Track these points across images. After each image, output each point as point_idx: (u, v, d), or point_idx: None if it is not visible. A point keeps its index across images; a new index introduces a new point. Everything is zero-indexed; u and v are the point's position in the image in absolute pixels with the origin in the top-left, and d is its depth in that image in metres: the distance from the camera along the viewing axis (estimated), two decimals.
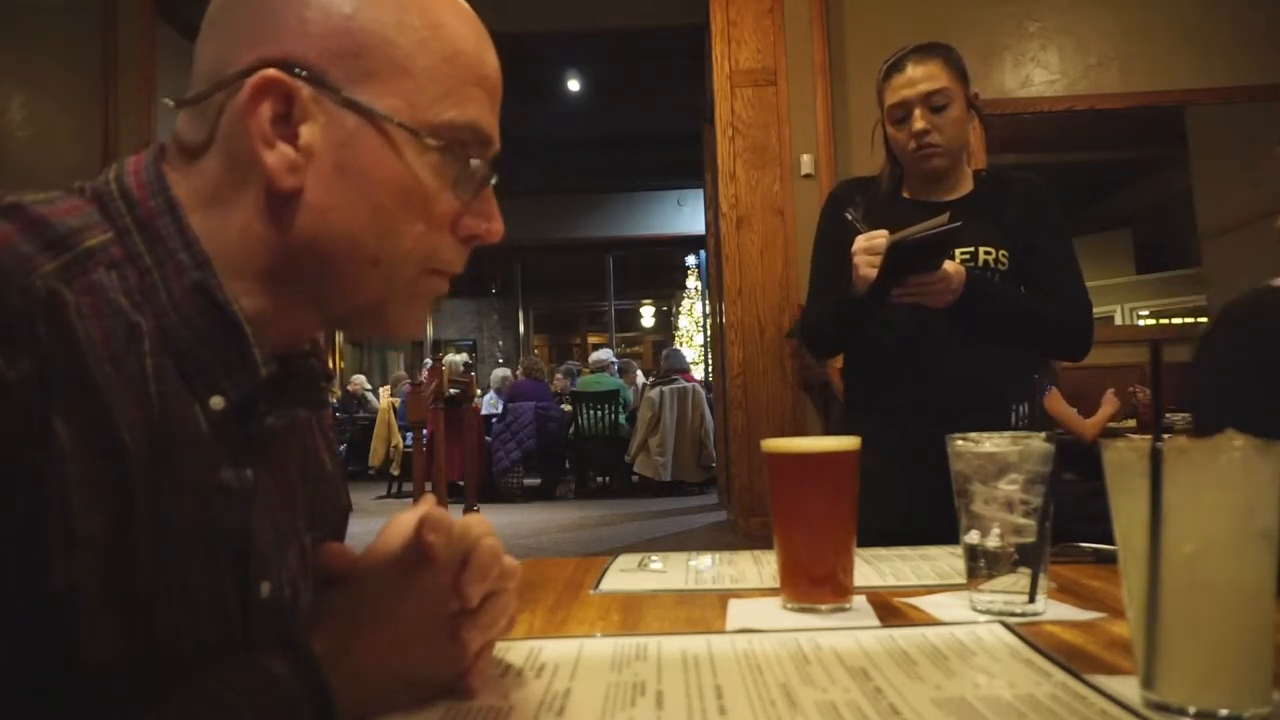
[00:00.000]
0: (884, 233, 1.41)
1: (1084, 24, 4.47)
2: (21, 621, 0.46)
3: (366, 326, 0.62)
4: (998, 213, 1.60)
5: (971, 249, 1.56)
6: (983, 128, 1.72)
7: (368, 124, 0.56)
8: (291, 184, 0.55)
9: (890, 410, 1.59)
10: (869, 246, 1.41)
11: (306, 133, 0.55)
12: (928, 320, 1.51)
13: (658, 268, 13.39)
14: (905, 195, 1.67)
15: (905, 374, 1.60)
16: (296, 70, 0.55)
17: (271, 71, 0.54)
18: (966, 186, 1.65)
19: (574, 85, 8.27)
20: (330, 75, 0.55)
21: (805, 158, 4.39)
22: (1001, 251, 1.57)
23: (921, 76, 1.54)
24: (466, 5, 0.61)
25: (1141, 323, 7.54)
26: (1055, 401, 3.72)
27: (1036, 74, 4.47)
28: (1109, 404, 3.76)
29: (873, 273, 1.40)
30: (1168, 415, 3.75)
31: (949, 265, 1.42)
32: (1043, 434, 0.76)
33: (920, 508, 1.32)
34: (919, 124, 1.54)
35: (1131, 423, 3.82)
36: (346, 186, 0.56)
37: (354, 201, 0.56)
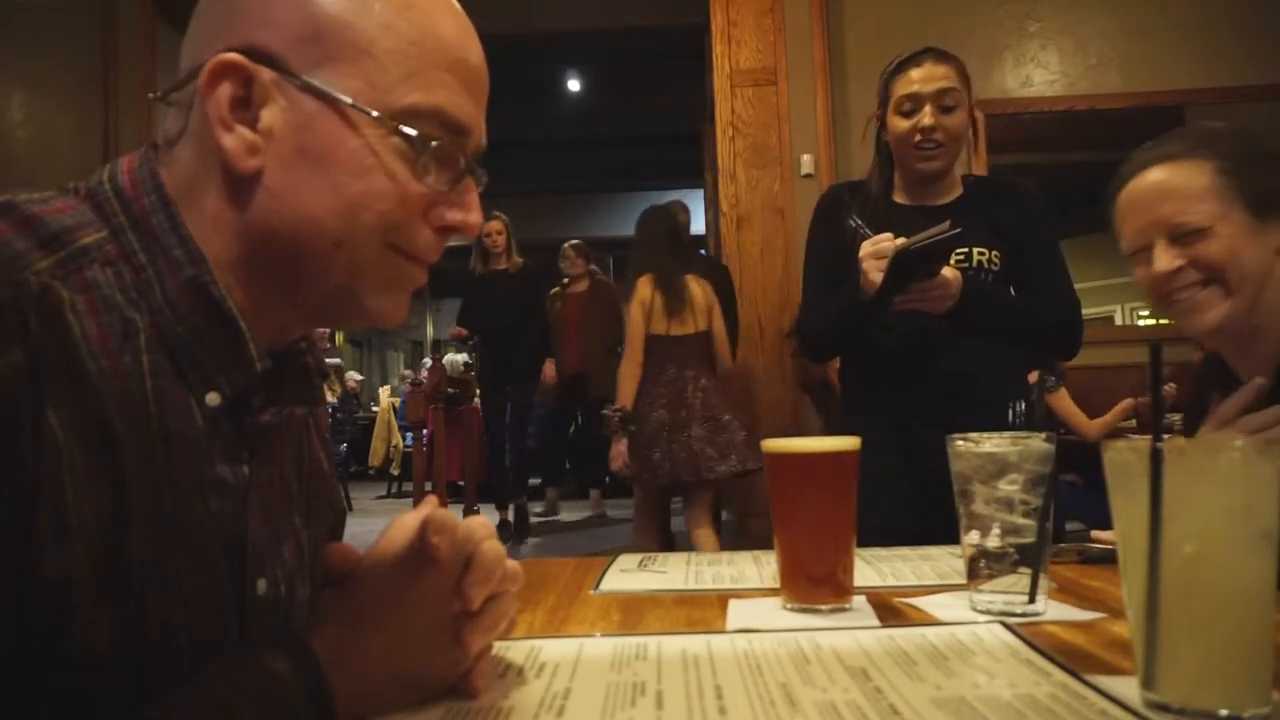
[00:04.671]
0: (889, 236, 1.41)
1: (1084, 24, 4.46)
2: (14, 612, 0.46)
3: (343, 315, 0.62)
4: (989, 216, 1.62)
5: (966, 249, 1.58)
6: (975, 139, 1.73)
7: (327, 107, 0.56)
8: (250, 166, 0.55)
9: (888, 410, 1.60)
10: (876, 250, 1.41)
11: (266, 116, 0.56)
12: (926, 322, 1.52)
13: None
14: (897, 200, 1.68)
15: (903, 374, 1.61)
16: (256, 55, 0.55)
17: (228, 55, 0.55)
18: (956, 190, 1.67)
19: (574, 85, 8.26)
20: (290, 60, 0.56)
21: (805, 158, 4.39)
22: (994, 252, 1.59)
23: (939, 75, 1.56)
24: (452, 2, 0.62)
25: (1141, 323, 7.53)
26: (1061, 399, 3.72)
27: (1036, 74, 4.47)
28: (1115, 412, 3.77)
29: (880, 277, 1.40)
30: (1167, 416, 3.75)
31: (947, 271, 1.43)
32: (1043, 434, 0.77)
33: (919, 507, 1.32)
34: (927, 120, 1.55)
35: (1132, 423, 3.82)
36: (307, 169, 0.56)
37: (314, 182, 0.56)
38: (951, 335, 1.53)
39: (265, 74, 0.55)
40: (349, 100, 0.56)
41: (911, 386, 1.59)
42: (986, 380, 1.59)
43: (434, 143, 0.58)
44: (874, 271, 1.41)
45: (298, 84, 0.56)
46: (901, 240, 1.39)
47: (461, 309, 5.44)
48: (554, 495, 6.36)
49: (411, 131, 0.57)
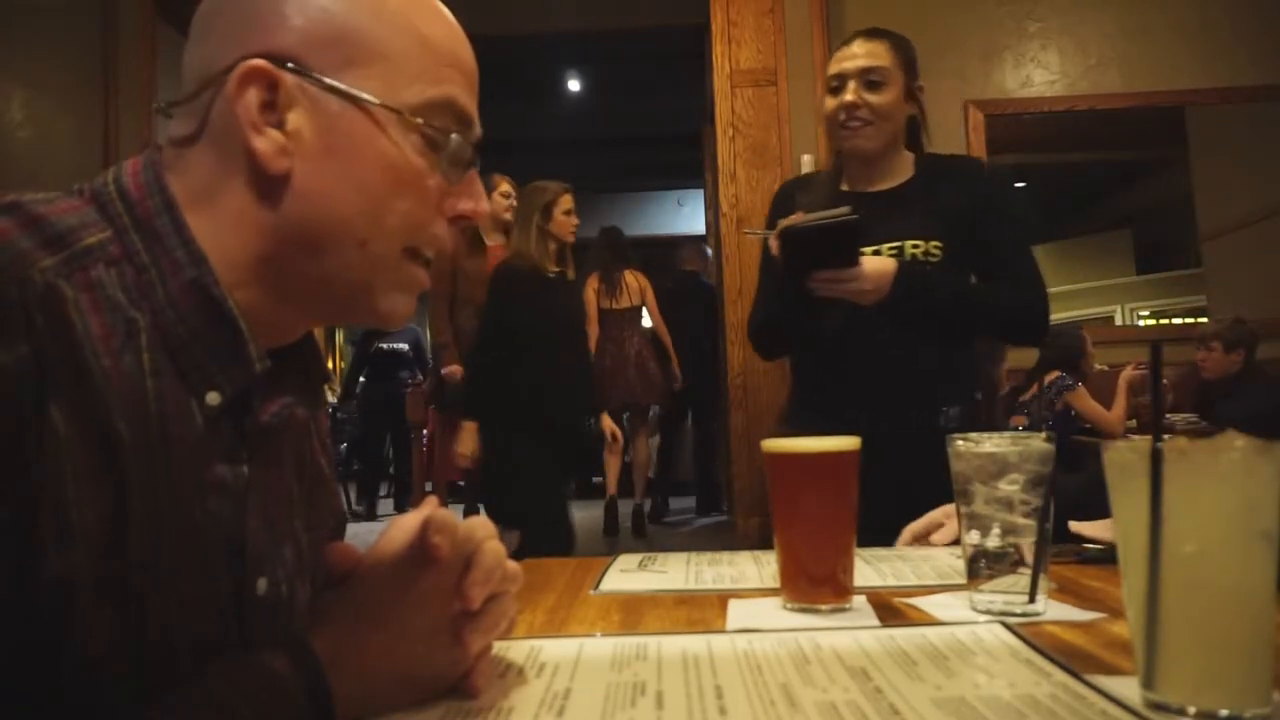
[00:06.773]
0: (798, 216, 1.41)
1: (1084, 24, 4.46)
2: (15, 613, 0.46)
3: (354, 314, 0.64)
4: (934, 201, 1.57)
5: (898, 244, 1.54)
6: (924, 124, 1.66)
7: (351, 107, 0.58)
8: (282, 167, 0.57)
9: (828, 404, 1.58)
10: (778, 233, 1.43)
11: (293, 119, 0.57)
12: (864, 314, 1.49)
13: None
14: (845, 188, 1.65)
15: (840, 368, 1.58)
16: (278, 59, 0.57)
17: (256, 61, 0.56)
18: (904, 174, 1.63)
19: (574, 85, 8.26)
20: (311, 63, 0.57)
21: (805, 158, 4.38)
22: (933, 244, 1.54)
23: (863, 53, 1.56)
24: (438, 2, 0.64)
25: (1141, 323, 7.52)
26: (1081, 398, 3.72)
27: (1036, 74, 4.47)
28: (1122, 391, 3.78)
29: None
30: (1167, 416, 3.74)
31: (870, 264, 1.40)
32: (1043, 434, 0.77)
33: (865, 502, 1.30)
34: (849, 96, 1.55)
35: (1132, 423, 3.82)
36: (335, 168, 0.58)
37: (342, 181, 0.58)
38: (886, 330, 1.50)
39: (289, 78, 0.57)
40: (374, 99, 0.58)
41: (847, 381, 1.57)
42: (917, 380, 1.54)
43: (454, 136, 0.61)
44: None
45: (321, 86, 0.57)
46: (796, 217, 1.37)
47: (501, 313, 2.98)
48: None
49: (434, 126, 0.60)
